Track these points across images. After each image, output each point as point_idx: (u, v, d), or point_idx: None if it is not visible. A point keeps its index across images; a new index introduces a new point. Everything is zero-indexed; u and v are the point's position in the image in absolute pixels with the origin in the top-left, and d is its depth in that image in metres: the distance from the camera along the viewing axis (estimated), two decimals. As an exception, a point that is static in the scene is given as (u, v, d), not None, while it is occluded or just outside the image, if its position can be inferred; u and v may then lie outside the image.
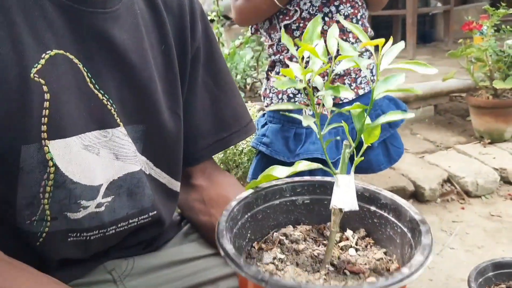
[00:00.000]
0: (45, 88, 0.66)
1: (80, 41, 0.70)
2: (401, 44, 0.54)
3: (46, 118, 0.66)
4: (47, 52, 0.66)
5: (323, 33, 1.32)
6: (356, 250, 0.63)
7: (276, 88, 1.46)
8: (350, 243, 0.64)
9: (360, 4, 1.45)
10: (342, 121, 0.62)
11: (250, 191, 0.63)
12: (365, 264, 0.59)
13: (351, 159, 0.59)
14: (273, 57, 1.48)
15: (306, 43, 0.57)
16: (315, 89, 0.56)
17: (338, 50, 0.55)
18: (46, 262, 0.75)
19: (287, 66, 0.55)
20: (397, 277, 0.49)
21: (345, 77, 1.43)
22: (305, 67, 0.56)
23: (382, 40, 0.52)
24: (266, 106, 1.53)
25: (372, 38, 1.54)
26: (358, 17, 1.44)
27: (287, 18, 1.41)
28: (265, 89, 1.53)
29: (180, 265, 0.86)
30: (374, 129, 0.57)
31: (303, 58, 0.56)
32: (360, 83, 1.46)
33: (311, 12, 1.39)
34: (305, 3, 1.39)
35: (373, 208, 0.63)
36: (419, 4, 5.12)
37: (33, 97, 0.65)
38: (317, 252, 0.61)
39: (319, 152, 1.37)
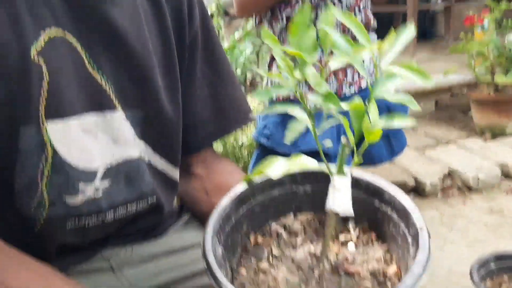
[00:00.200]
0: (44, 69, 0.66)
1: (80, 22, 0.69)
2: (409, 33, 0.50)
3: (44, 99, 0.66)
4: (46, 29, 0.66)
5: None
6: (356, 245, 0.60)
7: (278, 80, 1.44)
8: (350, 237, 0.62)
9: None
10: (342, 116, 0.58)
11: (243, 185, 0.61)
12: (363, 262, 0.57)
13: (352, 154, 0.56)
14: (274, 48, 1.47)
15: (295, 37, 0.53)
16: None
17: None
18: (44, 250, 0.74)
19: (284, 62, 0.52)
20: None
21: (347, 68, 1.42)
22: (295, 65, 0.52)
23: (375, 46, 0.48)
24: (268, 100, 1.52)
25: (375, 29, 1.52)
26: (361, 7, 1.43)
27: (288, 7, 1.40)
28: (267, 82, 1.52)
29: (179, 253, 0.85)
30: (375, 130, 0.53)
31: (294, 58, 0.51)
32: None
33: (313, 1, 1.38)
34: None
35: (377, 203, 0.61)
36: (420, 1, 5.11)
37: (33, 78, 0.65)
38: (315, 247, 0.59)
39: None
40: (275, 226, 0.62)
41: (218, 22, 2.65)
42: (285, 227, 0.62)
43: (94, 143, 0.72)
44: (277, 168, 0.55)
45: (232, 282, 0.54)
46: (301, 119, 0.53)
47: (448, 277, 1.92)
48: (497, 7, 2.85)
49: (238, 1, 1.44)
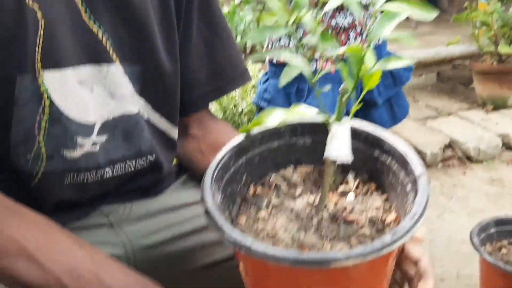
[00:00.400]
0: (39, 14, 0.65)
1: None
2: None
3: (40, 47, 0.65)
4: None
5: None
6: (356, 195, 0.60)
7: (278, 40, 1.42)
8: (350, 187, 0.61)
9: None
10: (342, 65, 0.57)
11: (242, 136, 0.60)
12: (362, 211, 0.56)
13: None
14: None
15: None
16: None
17: None
18: (41, 205, 0.73)
19: None
20: (376, 245, 0.46)
21: (350, 30, 1.39)
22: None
23: None
24: (268, 62, 1.50)
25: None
26: None
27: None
28: (267, 44, 1.50)
29: (177, 210, 0.85)
30: (373, 74, 0.52)
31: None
32: (367, 36, 1.42)
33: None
34: None
35: (377, 153, 0.60)
36: (423, -28, 5.03)
37: (28, 24, 0.64)
38: (314, 197, 0.59)
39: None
40: (274, 178, 0.62)
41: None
42: (284, 179, 0.61)
43: (90, 96, 0.71)
44: (275, 117, 0.55)
45: None
46: (299, 65, 0.52)
47: (447, 245, 1.93)
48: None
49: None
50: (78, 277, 0.56)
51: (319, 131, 0.61)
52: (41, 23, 0.65)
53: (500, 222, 1.40)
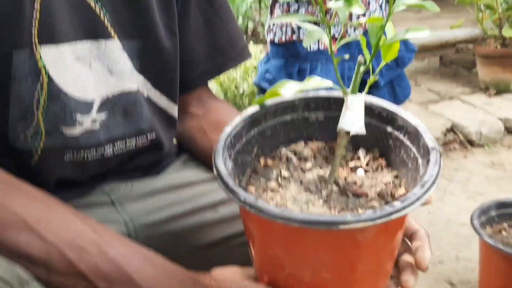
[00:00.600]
0: None
1: None
2: None
3: (37, 21, 0.65)
4: None
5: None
6: (366, 171, 0.60)
7: (280, 22, 1.41)
8: (360, 163, 0.61)
9: None
10: (360, 35, 0.57)
11: (257, 107, 0.60)
12: (372, 186, 0.57)
13: (363, 85, 0.55)
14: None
15: None
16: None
17: None
18: (43, 184, 0.73)
19: None
20: (386, 210, 0.46)
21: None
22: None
23: None
24: (270, 42, 1.49)
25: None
26: None
27: None
28: (269, 24, 1.48)
29: (179, 189, 0.85)
30: (393, 45, 0.52)
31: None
32: (370, 15, 1.41)
33: None
34: None
35: (389, 129, 0.60)
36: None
37: None
38: (324, 171, 0.59)
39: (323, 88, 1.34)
40: (285, 151, 0.62)
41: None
42: (295, 153, 0.62)
43: (89, 72, 0.71)
44: (290, 88, 0.55)
45: None
46: (316, 32, 0.52)
47: (447, 226, 1.94)
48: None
49: None
50: (80, 249, 0.56)
51: (332, 107, 0.62)
52: None
53: (501, 205, 1.40)
